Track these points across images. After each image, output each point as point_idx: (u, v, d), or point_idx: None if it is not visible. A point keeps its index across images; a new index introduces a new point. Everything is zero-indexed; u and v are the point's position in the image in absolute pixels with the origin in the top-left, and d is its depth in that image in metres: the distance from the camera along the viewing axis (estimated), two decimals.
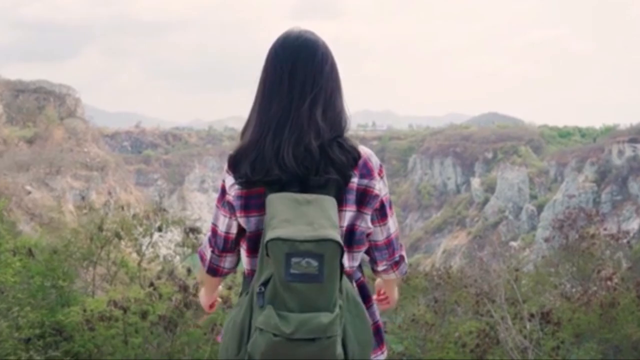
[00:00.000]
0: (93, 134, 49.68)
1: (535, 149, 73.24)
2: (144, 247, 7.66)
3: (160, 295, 6.24)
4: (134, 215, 7.70)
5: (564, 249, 9.01)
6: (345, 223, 1.65)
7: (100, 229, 7.08)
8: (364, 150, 1.70)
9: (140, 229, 7.56)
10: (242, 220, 1.66)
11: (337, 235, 1.49)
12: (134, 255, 7.78)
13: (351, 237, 1.68)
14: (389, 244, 1.79)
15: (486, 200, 68.69)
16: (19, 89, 45.87)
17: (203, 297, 2.00)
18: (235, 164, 1.65)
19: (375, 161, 1.71)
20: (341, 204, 1.62)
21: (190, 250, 7.64)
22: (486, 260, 8.80)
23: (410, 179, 78.38)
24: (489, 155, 73.60)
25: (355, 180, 1.64)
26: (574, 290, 8.25)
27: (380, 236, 1.77)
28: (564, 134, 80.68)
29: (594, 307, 6.81)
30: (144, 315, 6.05)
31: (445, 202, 74.26)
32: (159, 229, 7.57)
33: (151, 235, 7.64)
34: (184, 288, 6.26)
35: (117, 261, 7.35)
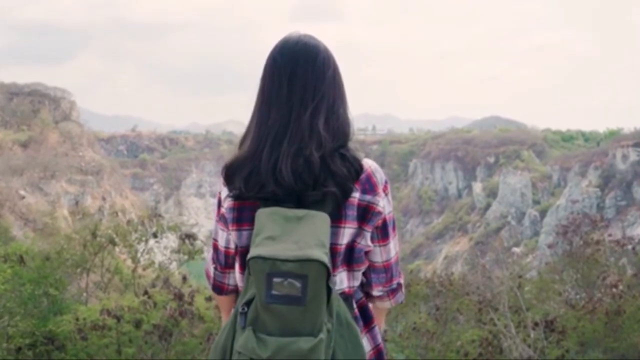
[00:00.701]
0: (88, 138, 49.62)
1: (538, 153, 73.12)
2: (139, 254, 7.54)
3: (155, 304, 6.13)
4: (129, 221, 7.59)
5: (567, 256, 8.87)
6: (345, 240, 1.55)
7: (94, 235, 6.96)
8: (368, 163, 1.58)
9: (135, 235, 7.45)
10: (234, 234, 1.57)
11: (322, 255, 1.38)
12: (129, 262, 7.67)
13: (351, 255, 1.58)
14: (388, 268, 1.67)
15: (488, 206, 68.53)
16: (13, 92, 45.83)
17: (223, 319, 1.89)
18: (229, 176, 1.56)
19: (380, 177, 1.59)
20: (340, 219, 1.52)
21: (186, 257, 7.52)
22: (488, 267, 8.67)
23: (411, 184, 78.24)
24: (491, 160, 73.50)
25: (356, 196, 1.53)
26: (578, 297, 8.12)
27: (379, 257, 1.65)
28: (567, 138, 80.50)
29: (599, 315, 6.68)
30: (137, 324, 5.94)
31: (446, 207, 74.08)
32: (154, 235, 7.46)
33: (146, 241, 7.52)
34: (179, 296, 6.15)
35: (111, 268, 7.24)
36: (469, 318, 7.44)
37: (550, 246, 10.85)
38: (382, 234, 1.63)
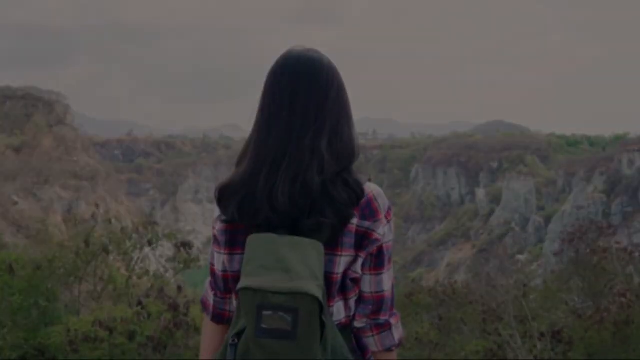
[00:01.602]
0: (83, 143, 49.40)
1: (542, 158, 73.02)
2: (133, 262, 7.41)
3: (149, 315, 5.98)
4: (122, 229, 7.47)
5: (574, 263, 8.72)
6: (341, 269, 1.45)
7: (87, 243, 6.83)
8: (370, 188, 1.48)
9: (129, 243, 7.32)
10: (225, 258, 1.48)
11: (314, 288, 1.30)
12: (123, 270, 7.54)
13: (344, 283, 1.47)
14: (377, 301, 1.52)
15: (491, 212, 68.39)
16: (6, 96, 45.77)
17: (201, 351, 1.67)
18: (223, 199, 1.46)
19: (382, 202, 1.49)
20: (336, 247, 1.43)
21: (182, 266, 7.39)
22: (492, 275, 8.54)
23: (413, 190, 78.02)
24: (494, 165, 73.44)
25: (355, 222, 1.44)
26: (584, 306, 7.96)
27: (367, 287, 1.51)
28: (572, 142, 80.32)
29: (607, 325, 6.52)
30: (131, 336, 5.79)
31: (449, 213, 73.93)
32: (149, 243, 7.33)
33: (141, 249, 7.40)
34: (175, 307, 6.00)
35: (105, 277, 7.11)
36: (473, 328, 7.32)
37: (556, 254, 10.71)
38: (376, 262, 1.50)
